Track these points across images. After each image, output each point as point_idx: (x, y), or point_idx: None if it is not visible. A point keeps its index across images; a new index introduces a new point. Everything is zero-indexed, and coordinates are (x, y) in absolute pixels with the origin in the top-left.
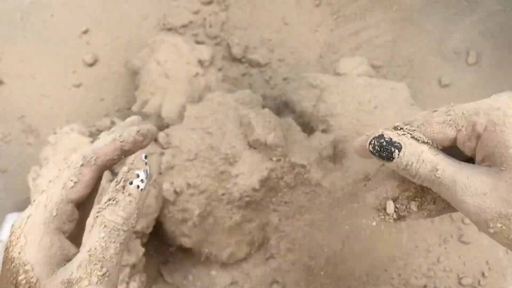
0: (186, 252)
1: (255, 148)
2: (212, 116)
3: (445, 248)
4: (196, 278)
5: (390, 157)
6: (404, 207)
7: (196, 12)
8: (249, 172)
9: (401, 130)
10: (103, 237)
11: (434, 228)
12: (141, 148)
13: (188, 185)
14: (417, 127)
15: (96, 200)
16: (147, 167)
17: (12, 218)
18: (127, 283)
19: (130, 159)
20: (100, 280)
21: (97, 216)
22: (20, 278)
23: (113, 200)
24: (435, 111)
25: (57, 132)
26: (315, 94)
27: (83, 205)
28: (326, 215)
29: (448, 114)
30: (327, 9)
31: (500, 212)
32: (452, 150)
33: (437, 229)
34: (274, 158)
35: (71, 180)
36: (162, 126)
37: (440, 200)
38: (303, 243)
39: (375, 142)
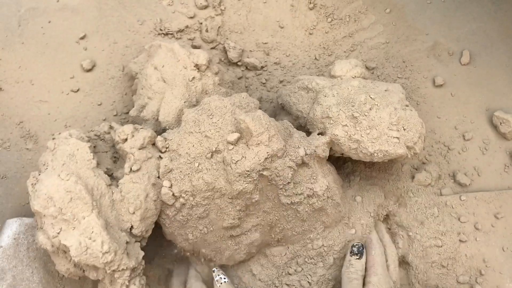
0: (186, 255)
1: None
2: (209, 119)
3: (442, 246)
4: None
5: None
6: None
7: (192, 17)
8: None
9: None
10: None
11: (431, 227)
12: None
13: (186, 189)
14: None
15: None
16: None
17: (11, 224)
18: (127, 286)
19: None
20: None
21: None
22: None
23: None
24: None
25: (56, 137)
26: (310, 96)
27: None
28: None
29: None
30: (321, 12)
31: None
32: None
33: (434, 228)
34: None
35: None
36: (160, 130)
37: None
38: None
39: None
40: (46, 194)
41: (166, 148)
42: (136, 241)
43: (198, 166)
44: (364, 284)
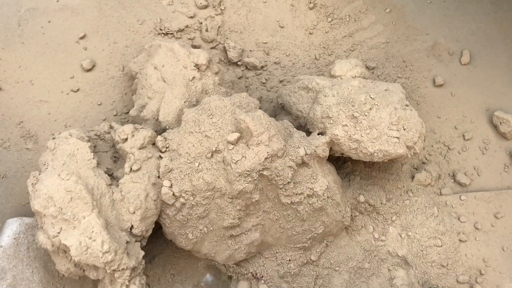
0: (186, 253)
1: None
2: (209, 119)
3: (442, 246)
4: (194, 279)
5: None
6: None
7: (192, 17)
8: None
9: None
10: None
11: (431, 227)
12: None
13: (187, 188)
14: None
15: None
16: None
17: (12, 224)
18: (127, 286)
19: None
20: None
21: None
22: None
23: None
24: None
25: (56, 137)
26: (310, 96)
27: None
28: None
29: None
30: (321, 12)
31: None
32: None
33: (434, 227)
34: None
35: None
36: (160, 130)
37: None
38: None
39: None
40: (46, 193)
41: (166, 148)
42: (136, 241)
43: (198, 166)
44: None
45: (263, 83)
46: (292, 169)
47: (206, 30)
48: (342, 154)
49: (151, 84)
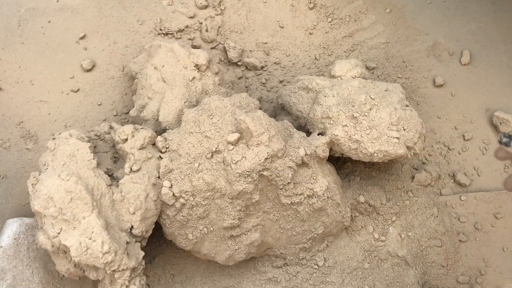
0: (186, 254)
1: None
2: (209, 120)
3: (442, 246)
4: (194, 279)
5: None
6: None
7: (192, 17)
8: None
9: None
10: None
11: (431, 227)
12: None
13: (187, 189)
14: None
15: None
16: None
17: (12, 224)
18: (127, 286)
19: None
20: None
21: None
22: None
23: None
24: None
25: (56, 137)
26: (310, 97)
27: None
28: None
29: None
30: (321, 12)
31: None
32: None
33: (434, 228)
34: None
35: None
36: (160, 130)
37: None
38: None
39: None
40: (46, 194)
41: (166, 148)
42: (136, 241)
43: (198, 166)
44: None
45: (263, 83)
46: (292, 169)
47: (206, 30)
48: (342, 154)
49: (151, 85)
